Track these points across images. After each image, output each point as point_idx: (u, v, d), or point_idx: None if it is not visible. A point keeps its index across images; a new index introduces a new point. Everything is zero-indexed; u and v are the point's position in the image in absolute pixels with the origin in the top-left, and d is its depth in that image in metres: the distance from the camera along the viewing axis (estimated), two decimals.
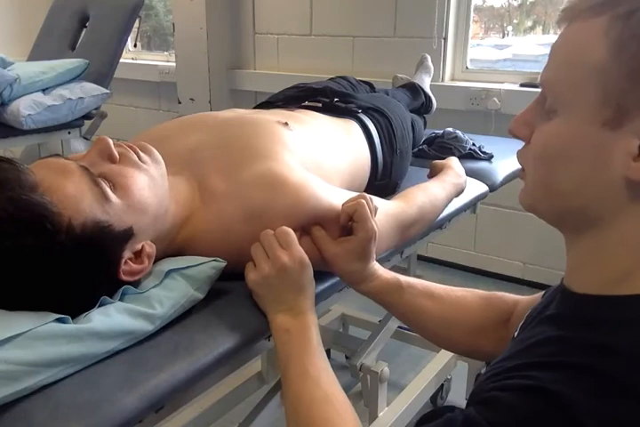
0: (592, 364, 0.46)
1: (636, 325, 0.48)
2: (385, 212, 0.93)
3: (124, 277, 0.73)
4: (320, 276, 0.84)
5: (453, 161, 1.23)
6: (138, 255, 0.76)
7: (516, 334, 0.66)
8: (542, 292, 0.74)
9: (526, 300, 0.81)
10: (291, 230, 0.78)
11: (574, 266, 0.57)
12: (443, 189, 1.12)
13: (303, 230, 0.84)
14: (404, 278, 0.86)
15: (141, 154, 0.79)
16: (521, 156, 0.60)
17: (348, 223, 0.83)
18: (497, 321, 0.82)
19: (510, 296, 0.85)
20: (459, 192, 1.19)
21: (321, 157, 1.00)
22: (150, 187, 0.77)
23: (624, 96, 0.49)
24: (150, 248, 0.77)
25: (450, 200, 1.15)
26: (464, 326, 0.84)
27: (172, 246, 0.82)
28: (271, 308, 0.76)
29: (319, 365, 0.70)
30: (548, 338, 0.52)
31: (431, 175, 1.19)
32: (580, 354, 0.48)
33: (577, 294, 0.55)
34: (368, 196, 0.84)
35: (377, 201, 0.90)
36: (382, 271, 0.86)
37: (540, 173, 0.56)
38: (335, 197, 0.87)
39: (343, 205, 0.84)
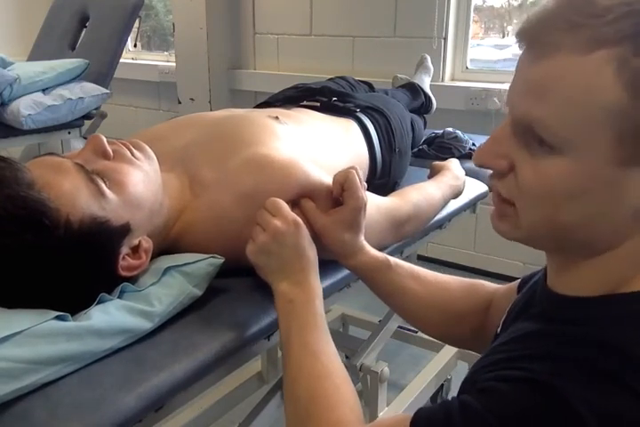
0: (583, 358, 0.47)
1: (622, 320, 0.49)
2: (378, 205, 0.94)
3: (123, 273, 0.74)
4: (320, 276, 0.84)
5: (453, 163, 1.24)
6: (135, 251, 0.76)
7: (499, 330, 0.66)
8: (516, 282, 0.75)
9: (503, 289, 0.82)
10: (278, 199, 0.78)
11: (558, 273, 0.57)
12: (438, 189, 1.12)
13: (293, 204, 0.83)
14: (392, 258, 0.86)
15: (134, 150, 0.79)
16: (504, 189, 0.55)
17: (340, 194, 0.83)
18: (478, 308, 0.82)
19: (490, 285, 0.86)
20: (456, 194, 1.19)
21: (317, 155, 1.00)
22: (145, 182, 0.77)
23: None
24: (147, 243, 0.77)
25: (446, 201, 1.15)
26: (446, 309, 0.84)
27: (166, 240, 0.83)
28: (274, 277, 0.75)
29: (321, 339, 0.69)
30: (535, 331, 0.53)
31: (430, 176, 1.20)
32: (569, 347, 0.49)
33: (563, 295, 0.56)
34: (358, 168, 0.84)
35: (371, 195, 0.90)
36: (371, 248, 0.85)
37: (544, 210, 0.53)
38: (323, 174, 0.87)
39: (334, 176, 0.84)
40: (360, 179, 0.83)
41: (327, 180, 0.86)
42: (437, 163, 1.23)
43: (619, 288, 0.52)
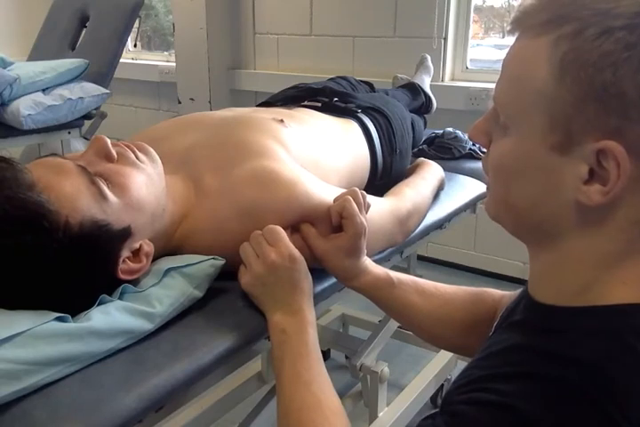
0: (555, 374, 0.46)
1: (596, 335, 0.48)
2: (381, 209, 0.95)
3: (123, 276, 0.74)
4: (320, 276, 0.85)
5: (423, 159, 1.27)
6: (136, 254, 0.76)
7: (491, 334, 0.66)
8: (521, 289, 0.74)
9: (509, 295, 0.81)
10: (278, 227, 0.78)
11: (536, 277, 0.58)
12: (424, 180, 1.16)
13: (294, 228, 0.83)
14: (394, 274, 0.86)
15: (139, 153, 0.79)
16: (483, 165, 0.60)
17: (339, 222, 0.83)
18: (484, 317, 0.82)
19: (497, 292, 0.86)
20: (441, 182, 1.22)
21: (319, 156, 1.00)
22: (148, 186, 0.77)
23: (570, 122, 0.48)
24: (148, 247, 0.77)
25: (435, 190, 1.19)
26: (453, 322, 0.84)
27: (169, 245, 0.82)
28: (268, 307, 0.76)
29: (313, 368, 0.70)
30: (512, 346, 0.53)
31: (407, 175, 1.22)
32: (542, 364, 0.48)
33: (540, 303, 0.56)
34: (359, 191, 0.84)
35: (371, 199, 0.90)
36: (373, 267, 0.85)
37: (498, 187, 0.57)
38: (327, 193, 0.87)
39: (334, 201, 0.84)
40: (359, 203, 0.82)
41: (330, 201, 0.85)
42: (411, 165, 1.27)
43: (581, 295, 0.52)
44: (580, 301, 0.52)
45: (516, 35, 0.54)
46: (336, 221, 0.83)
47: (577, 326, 0.50)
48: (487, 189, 0.61)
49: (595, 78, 0.46)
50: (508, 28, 0.55)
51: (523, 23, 0.53)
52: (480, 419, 0.47)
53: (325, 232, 0.84)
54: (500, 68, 0.55)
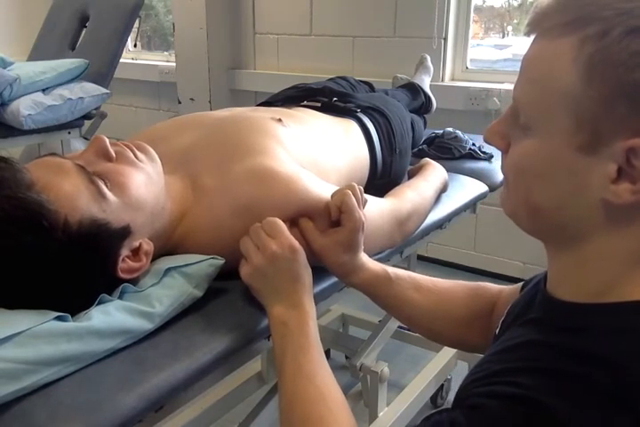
0: (576, 371, 0.46)
1: (622, 333, 0.48)
2: (380, 209, 0.95)
3: (122, 275, 0.74)
4: (320, 276, 0.84)
5: (427, 160, 1.26)
6: (136, 253, 0.76)
7: (497, 331, 0.66)
8: (521, 283, 0.74)
9: (508, 290, 0.82)
10: (278, 219, 0.78)
11: (557, 276, 0.57)
12: (427, 182, 1.15)
13: (292, 223, 0.83)
14: (391, 270, 0.86)
15: (137, 152, 0.79)
16: (502, 166, 0.59)
17: (338, 216, 0.83)
18: (483, 312, 0.82)
19: (494, 286, 0.86)
20: (444, 185, 1.22)
21: (318, 155, 1.00)
22: (147, 185, 0.77)
23: (598, 122, 0.47)
24: (148, 246, 0.77)
25: (437, 192, 1.18)
26: (451, 317, 0.84)
27: (168, 244, 0.82)
28: (268, 299, 0.75)
29: (315, 361, 0.69)
30: (531, 341, 0.53)
31: (410, 177, 1.22)
32: (563, 360, 0.48)
33: (561, 301, 0.55)
34: (357, 186, 0.84)
35: (371, 199, 0.90)
36: (371, 263, 0.85)
37: (520, 189, 0.56)
38: (325, 190, 0.87)
39: (331, 197, 0.84)
40: (358, 198, 0.82)
41: (327, 196, 0.85)
42: (414, 166, 1.26)
43: (606, 293, 0.51)
44: (603, 298, 0.51)
45: (534, 36, 0.53)
46: (335, 215, 0.83)
47: (597, 324, 0.50)
48: (505, 187, 0.60)
49: (625, 78, 0.46)
50: (525, 29, 0.54)
51: (541, 24, 0.52)
52: (499, 411, 0.47)
53: (323, 228, 0.83)
54: (520, 69, 0.54)
